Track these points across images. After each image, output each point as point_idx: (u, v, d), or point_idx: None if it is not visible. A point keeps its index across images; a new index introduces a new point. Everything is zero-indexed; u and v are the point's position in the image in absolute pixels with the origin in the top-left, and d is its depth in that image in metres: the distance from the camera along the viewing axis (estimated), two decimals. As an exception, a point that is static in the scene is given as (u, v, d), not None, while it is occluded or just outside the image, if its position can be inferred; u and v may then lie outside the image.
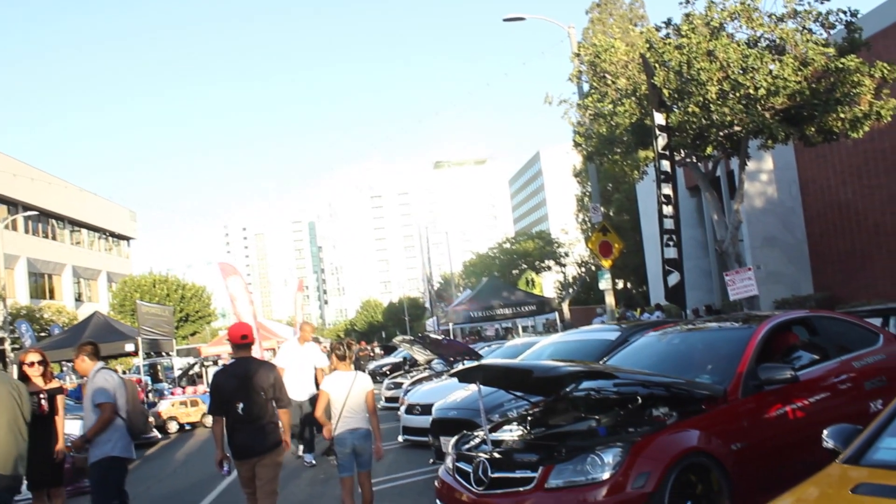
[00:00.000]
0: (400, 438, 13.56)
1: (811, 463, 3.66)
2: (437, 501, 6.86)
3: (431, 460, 10.66)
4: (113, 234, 60.71)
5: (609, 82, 17.35)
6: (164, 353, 29.99)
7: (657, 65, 15.36)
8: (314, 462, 12.17)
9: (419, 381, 16.28)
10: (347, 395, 7.38)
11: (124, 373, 34.61)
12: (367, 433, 7.45)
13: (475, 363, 6.58)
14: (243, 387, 6.86)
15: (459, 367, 6.86)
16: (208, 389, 26.20)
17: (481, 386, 7.05)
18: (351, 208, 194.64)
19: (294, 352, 12.58)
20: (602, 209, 22.76)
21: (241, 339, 7.14)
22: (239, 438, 6.89)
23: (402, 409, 13.69)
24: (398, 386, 19.30)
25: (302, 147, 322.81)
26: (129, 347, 23.63)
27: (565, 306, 33.18)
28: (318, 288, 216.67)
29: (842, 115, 14.89)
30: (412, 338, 15.14)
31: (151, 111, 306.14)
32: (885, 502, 2.89)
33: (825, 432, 3.71)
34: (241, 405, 6.81)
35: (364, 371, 36.24)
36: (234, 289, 22.25)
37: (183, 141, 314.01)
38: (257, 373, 6.99)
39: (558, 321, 29.88)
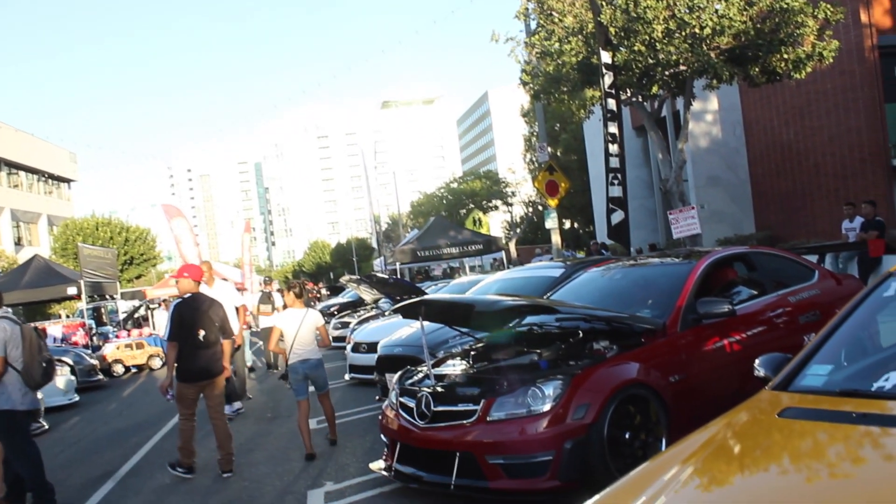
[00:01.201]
0: (347, 377, 13.63)
1: (746, 393, 3.74)
2: (382, 436, 6.92)
3: (377, 397, 10.73)
4: (53, 177, 59.10)
5: (556, 20, 17.22)
6: (108, 297, 29.58)
7: (604, 3, 15.27)
8: (233, 415, 11.19)
9: (366, 320, 16.30)
10: (298, 330, 8.32)
11: (68, 317, 34.06)
12: (318, 363, 8.43)
13: (417, 298, 6.57)
14: (203, 317, 8.00)
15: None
16: (154, 331, 25.97)
17: (426, 323, 7.18)
18: (298, 149, 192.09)
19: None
20: (549, 149, 22.79)
21: (199, 276, 8.48)
22: (198, 363, 7.93)
23: (349, 347, 13.71)
24: (345, 325, 19.32)
25: (247, 87, 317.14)
26: (72, 291, 23.23)
27: (512, 246, 33.36)
28: (266, 229, 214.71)
29: (785, 56, 15.01)
30: (359, 277, 15.05)
31: (93, 54, 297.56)
32: (808, 424, 2.97)
33: (757, 361, 3.80)
34: (202, 332, 7.92)
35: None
36: (180, 231, 21.92)
37: (126, 83, 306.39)
38: (212, 306, 8.18)
39: (505, 260, 30.04)
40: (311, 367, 8.33)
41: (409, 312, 7.06)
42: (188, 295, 8.19)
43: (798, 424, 2.98)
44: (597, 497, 2.80)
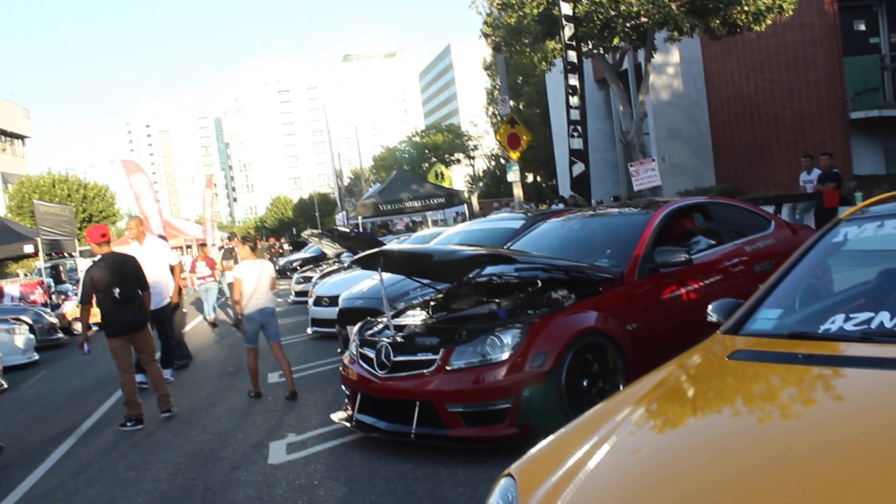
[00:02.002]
0: (309, 330, 13.61)
1: (702, 340, 3.80)
2: (343, 387, 6.95)
3: (339, 350, 10.75)
4: (5, 133, 57.71)
5: (517, -29, 17.08)
6: (66, 254, 29.13)
7: (565, -47, 15.15)
8: (172, 378, 10.77)
9: (328, 274, 16.26)
10: (258, 281, 8.83)
11: (25, 276, 33.54)
12: (272, 311, 9.02)
13: (376, 249, 6.56)
14: (117, 275, 8.23)
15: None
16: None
17: (387, 275, 7.19)
18: (258, 103, 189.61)
19: (136, 255, 9.86)
20: (511, 102, 22.70)
21: (101, 238, 8.48)
22: (120, 318, 8.27)
23: (311, 301, 13.68)
24: (308, 280, 19.27)
25: (206, 41, 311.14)
26: (28, 249, 22.81)
27: (474, 199, 33.34)
28: (227, 185, 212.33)
29: (745, 8, 15.05)
30: (320, 232, 14.98)
31: (45, 9, 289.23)
32: (756, 366, 3.03)
33: (709, 307, 3.85)
34: (116, 290, 8.18)
35: (275, 265, 36.15)
36: (139, 187, 21.64)
37: (81, 38, 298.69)
38: (125, 263, 8.48)
39: (467, 214, 30.04)
40: (267, 315, 8.93)
41: (368, 264, 7.05)
42: (98, 257, 8.54)
43: (748, 366, 3.04)
44: (550, 438, 2.83)
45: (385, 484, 5.49)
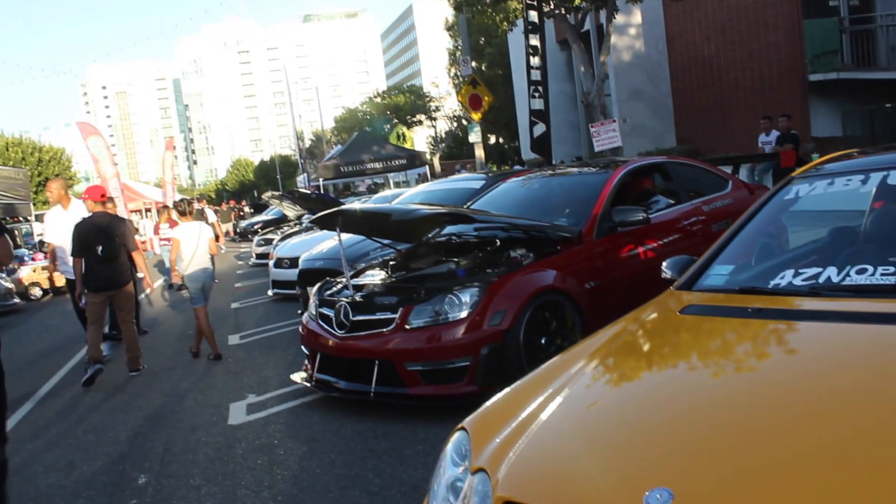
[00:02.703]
0: (269, 292, 13.56)
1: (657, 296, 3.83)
2: (302, 347, 6.95)
3: (300, 311, 10.72)
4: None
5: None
6: (21, 219, 28.66)
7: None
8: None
9: (289, 236, 16.16)
10: (198, 241, 9.08)
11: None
12: (210, 274, 9.34)
13: (334, 209, 6.52)
14: (102, 233, 8.50)
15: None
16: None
17: (347, 235, 7.18)
18: (217, 65, 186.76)
19: (60, 220, 9.89)
20: (473, 63, 22.57)
21: (101, 197, 9.09)
22: (101, 275, 8.54)
23: (271, 263, 13.62)
24: (269, 242, 19.16)
25: (163, 0, 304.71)
26: (-19, 213, 22.41)
27: (436, 160, 33.21)
28: (187, 148, 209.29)
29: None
30: (281, 193, 14.86)
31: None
32: (707, 319, 3.07)
33: (664, 264, 3.88)
34: (100, 248, 8.47)
35: (237, 228, 35.88)
36: (96, 150, 21.29)
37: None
38: (111, 223, 8.73)
39: (429, 175, 29.93)
40: (208, 276, 9.26)
41: (327, 224, 7.02)
42: (89, 214, 8.88)
43: (697, 319, 3.08)
44: (505, 391, 2.86)
45: (345, 442, 5.52)
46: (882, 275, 2.90)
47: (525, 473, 2.22)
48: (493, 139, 48.24)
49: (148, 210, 41.52)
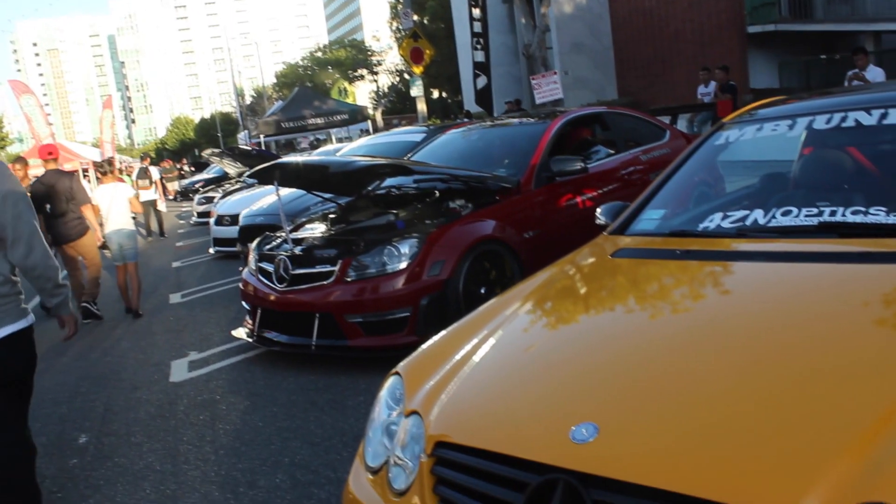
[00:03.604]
0: (211, 250, 13.43)
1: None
2: (243, 303, 6.90)
3: (241, 268, 10.63)
4: None
5: None
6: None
7: None
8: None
9: (230, 193, 15.95)
10: (111, 203, 9.34)
11: None
12: (130, 233, 9.46)
13: (272, 162, 6.45)
14: (48, 192, 8.91)
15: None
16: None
17: (289, 190, 7.12)
18: (153, 20, 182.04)
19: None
20: (415, 16, 22.33)
21: (48, 155, 9.51)
22: (54, 230, 9.04)
23: (212, 221, 13.45)
24: (210, 200, 18.91)
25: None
26: None
27: (378, 115, 32.92)
28: (124, 106, 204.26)
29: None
30: (221, 151, 14.64)
31: None
32: (637, 262, 3.13)
33: (598, 210, 3.93)
34: (48, 206, 8.90)
35: (176, 188, 35.27)
36: (29, 109, 20.76)
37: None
38: (57, 181, 9.08)
39: (371, 130, 29.67)
40: (123, 237, 9.36)
41: (265, 178, 6.95)
42: (42, 173, 9.32)
43: (627, 262, 3.13)
44: (440, 334, 2.88)
45: (287, 396, 5.52)
46: (806, 216, 2.97)
47: (456, 414, 2.25)
48: (436, 94, 47.97)
49: (85, 171, 40.56)
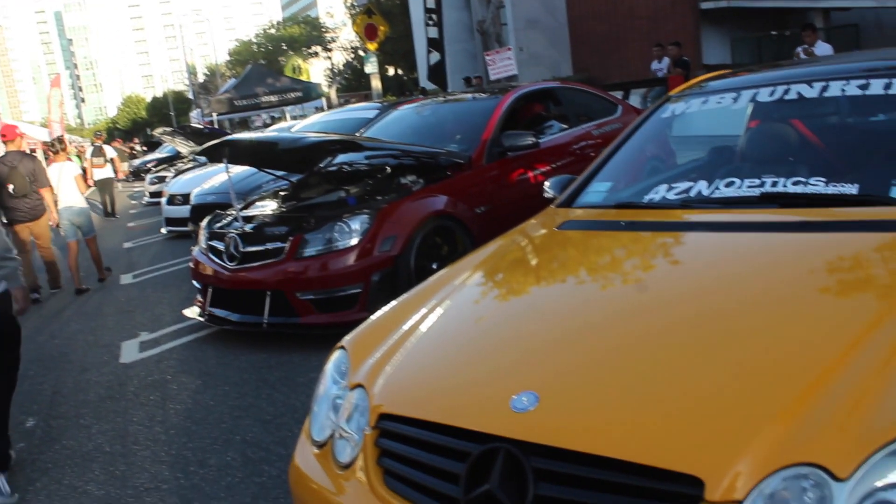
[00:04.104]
0: (163, 230, 13.27)
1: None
2: (194, 282, 6.83)
3: (193, 248, 10.53)
4: None
5: None
6: None
7: None
8: None
9: (182, 172, 15.75)
10: (59, 182, 9.66)
11: None
12: (82, 210, 9.81)
13: (220, 139, 6.36)
14: (11, 172, 8.98)
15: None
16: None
17: (241, 169, 7.04)
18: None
19: None
20: (369, -8, 22.12)
21: (13, 136, 9.44)
22: (15, 210, 9.11)
23: (164, 200, 13.27)
24: (162, 180, 18.67)
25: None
26: None
27: (333, 92, 32.65)
28: (73, 85, 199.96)
29: None
30: (173, 129, 14.44)
31: None
32: (582, 233, 3.16)
33: (546, 183, 3.95)
34: (11, 186, 8.96)
35: (126, 168, 34.75)
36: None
37: None
38: (21, 162, 9.16)
39: (325, 108, 29.43)
40: (74, 214, 9.70)
41: (216, 156, 6.86)
42: (3, 154, 9.47)
43: (573, 234, 3.15)
44: (386, 307, 2.88)
45: (238, 374, 5.50)
46: (749, 187, 3.00)
47: (400, 386, 2.25)
48: (391, 71, 47.68)
49: (33, 151, 39.74)
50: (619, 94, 9.60)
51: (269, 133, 10.22)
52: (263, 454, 4.10)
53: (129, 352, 6.62)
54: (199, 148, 6.87)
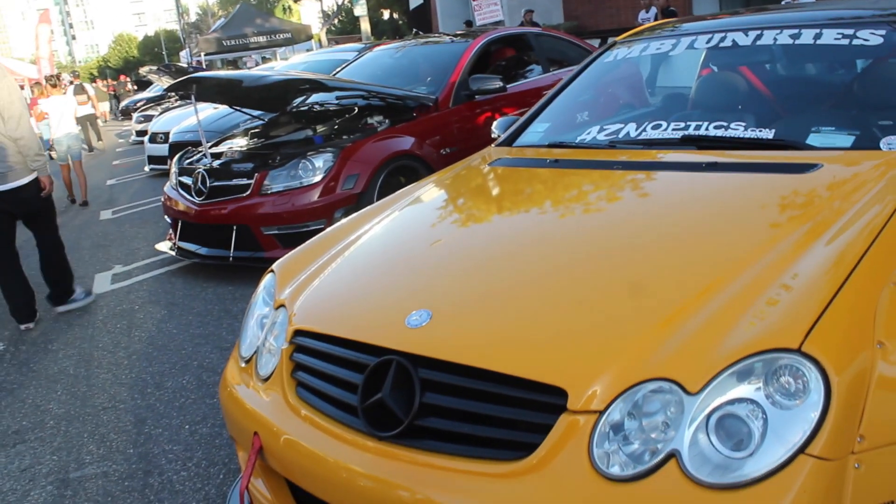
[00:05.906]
0: (146, 168, 13.34)
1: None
2: (165, 217, 6.97)
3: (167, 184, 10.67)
4: None
5: None
6: None
7: None
8: None
9: (168, 111, 15.75)
10: (62, 112, 11.15)
11: None
12: (76, 135, 11.50)
13: (187, 76, 6.45)
14: None
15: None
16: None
17: (219, 107, 7.10)
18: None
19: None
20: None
21: None
22: None
23: (147, 139, 13.33)
24: (148, 119, 18.60)
25: None
26: None
27: (323, 34, 32.26)
28: (63, 22, 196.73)
29: None
30: (158, 67, 14.40)
31: None
32: (508, 170, 3.32)
33: (493, 125, 4.08)
34: None
35: (118, 105, 34.59)
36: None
37: None
38: None
39: (315, 49, 29.18)
40: (73, 139, 11.32)
41: (181, 90, 6.93)
42: None
43: (499, 170, 3.31)
44: (317, 236, 3.04)
45: (203, 305, 5.67)
46: (674, 130, 3.15)
47: (315, 304, 2.42)
48: (386, 14, 47.19)
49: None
50: (596, 43, 9.64)
51: (236, 72, 10.26)
52: (217, 378, 4.27)
53: (101, 283, 6.78)
54: (167, 84, 6.94)
